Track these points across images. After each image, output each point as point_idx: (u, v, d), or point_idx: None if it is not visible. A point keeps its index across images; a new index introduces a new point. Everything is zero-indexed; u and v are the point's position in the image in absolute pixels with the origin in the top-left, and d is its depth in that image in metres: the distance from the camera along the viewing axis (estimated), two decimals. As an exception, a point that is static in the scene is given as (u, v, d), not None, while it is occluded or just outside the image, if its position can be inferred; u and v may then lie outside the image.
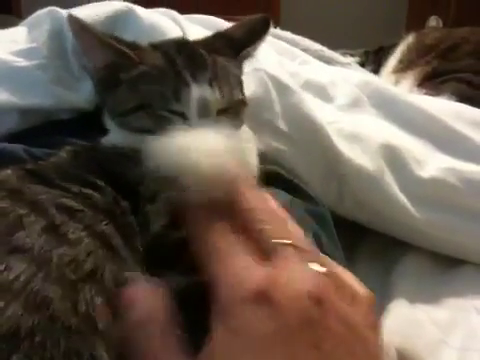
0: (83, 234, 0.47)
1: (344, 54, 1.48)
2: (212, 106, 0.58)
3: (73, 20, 0.61)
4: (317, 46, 1.29)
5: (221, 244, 0.40)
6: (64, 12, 0.88)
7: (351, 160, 0.83)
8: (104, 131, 0.68)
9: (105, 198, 0.53)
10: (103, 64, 0.62)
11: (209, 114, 0.58)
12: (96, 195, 0.52)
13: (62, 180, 0.53)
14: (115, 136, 0.65)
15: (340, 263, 0.74)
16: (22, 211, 0.48)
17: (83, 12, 0.89)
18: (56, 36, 0.86)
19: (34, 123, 0.86)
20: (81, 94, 0.87)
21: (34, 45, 0.86)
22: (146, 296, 0.42)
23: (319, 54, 1.25)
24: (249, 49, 0.68)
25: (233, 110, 0.61)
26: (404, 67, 1.43)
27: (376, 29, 2.94)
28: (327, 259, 0.43)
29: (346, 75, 1.04)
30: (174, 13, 0.99)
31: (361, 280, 0.90)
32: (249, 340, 0.34)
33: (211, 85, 0.58)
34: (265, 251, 0.39)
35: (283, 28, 1.32)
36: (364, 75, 1.11)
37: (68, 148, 0.63)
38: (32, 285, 0.42)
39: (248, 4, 3.11)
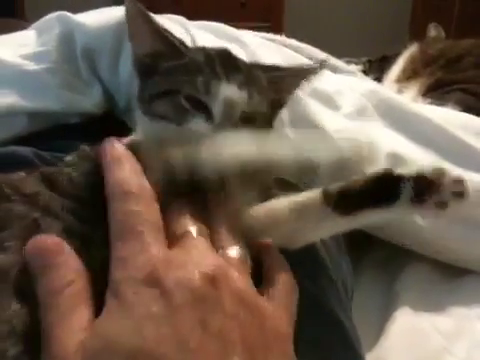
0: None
1: (348, 62, 1.49)
2: (237, 107, 0.59)
3: (132, 2, 0.61)
4: (323, 55, 1.30)
5: (130, 224, 0.45)
6: (74, 17, 0.88)
7: (357, 167, 0.84)
8: (118, 134, 0.68)
9: None
10: (149, 51, 0.63)
11: (232, 115, 0.58)
12: None
13: (76, 186, 0.54)
14: (139, 129, 0.65)
15: (346, 269, 0.76)
16: (37, 215, 0.49)
17: (93, 17, 0.90)
18: (66, 41, 0.87)
19: (42, 127, 0.86)
20: (90, 98, 0.88)
21: (43, 49, 0.87)
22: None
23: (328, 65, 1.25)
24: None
25: (255, 120, 0.61)
26: (407, 77, 1.44)
27: (379, 38, 2.95)
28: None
29: (352, 83, 1.04)
30: (183, 19, 0.99)
31: (366, 288, 0.90)
32: (136, 318, 0.38)
33: (240, 88, 0.59)
34: (177, 236, 0.45)
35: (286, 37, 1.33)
36: (370, 84, 1.11)
37: (80, 151, 0.63)
38: None
39: (252, 11, 3.13)
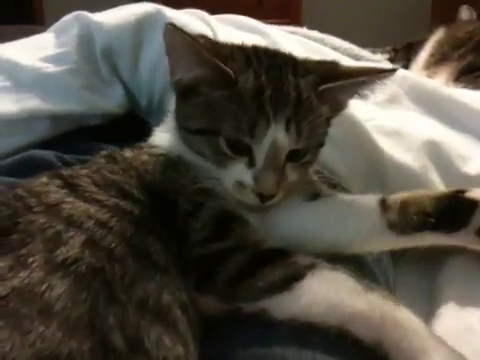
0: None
1: (373, 52, 1.44)
2: (283, 150, 0.54)
3: (174, 31, 0.54)
4: (346, 44, 1.26)
5: None
6: (92, 16, 0.86)
7: (393, 157, 0.79)
8: (139, 134, 0.66)
9: (143, 212, 0.52)
10: (194, 77, 0.57)
11: (277, 159, 0.54)
12: (134, 209, 0.52)
13: (100, 191, 0.53)
14: (172, 143, 0.62)
15: (387, 263, 0.72)
16: (60, 227, 0.47)
17: (111, 15, 0.88)
18: (85, 41, 0.85)
19: (65, 129, 0.85)
20: (112, 99, 0.86)
21: (63, 50, 0.85)
22: None
23: (349, 52, 1.21)
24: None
25: (304, 154, 0.57)
26: (436, 62, 1.39)
27: (399, 27, 2.88)
28: None
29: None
30: (203, 14, 0.96)
31: (406, 283, 0.84)
32: None
33: (288, 127, 0.54)
34: None
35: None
36: (400, 70, 1.07)
37: (104, 153, 0.62)
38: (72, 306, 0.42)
39: (269, 8, 3.09)
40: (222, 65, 0.54)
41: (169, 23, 0.54)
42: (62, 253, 0.44)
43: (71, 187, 0.52)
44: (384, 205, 0.57)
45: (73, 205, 0.50)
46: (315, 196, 0.60)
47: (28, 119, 0.80)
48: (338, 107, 0.61)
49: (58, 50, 0.86)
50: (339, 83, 0.57)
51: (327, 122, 0.60)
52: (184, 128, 0.59)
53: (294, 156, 0.56)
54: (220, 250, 0.51)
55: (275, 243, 0.54)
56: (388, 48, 1.67)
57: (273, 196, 0.55)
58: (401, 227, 0.55)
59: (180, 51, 0.55)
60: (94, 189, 0.53)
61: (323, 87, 0.57)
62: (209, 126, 0.56)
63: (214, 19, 0.94)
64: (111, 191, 0.53)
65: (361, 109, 0.85)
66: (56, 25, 0.94)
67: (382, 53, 1.56)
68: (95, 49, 0.85)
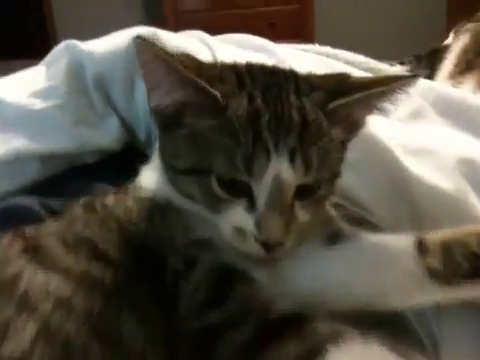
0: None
1: (391, 65, 1.35)
2: (288, 187, 0.45)
3: (143, 46, 0.45)
4: (361, 58, 1.17)
5: None
6: (81, 45, 0.80)
7: (422, 179, 0.69)
8: (135, 171, 0.58)
9: (117, 277, 0.44)
10: (175, 102, 0.48)
11: (282, 198, 0.45)
12: (107, 274, 0.44)
13: (68, 254, 0.45)
14: (160, 184, 0.53)
15: (430, 316, 0.61)
16: (10, 311, 0.39)
17: (102, 42, 0.81)
18: (74, 72, 0.79)
19: (58, 170, 0.78)
20: (106, 133, 0.78)
21: (51, 84, 0.79)
22: None
23: (365, 66, 1.12)
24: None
25: (316, 189, 0.47)
26: (462, 70, 1.28)
27: (413, 38, 2.79)
28: None
29: None
30: (203, 35, 0.90)
31: (455, 331, 0.71)
32: None
33: (293, 158, 0.44)
34: None
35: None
36: (423, 81, 0.97)
37: (82, 201, 0.54)
38: None
39: (281, 30, 3.04)
40: (207, 86, 0.45)
41: (138, 36, 0.45)
42: (7, 350, 0.36)
43: (34, 251, 0.45)
44: (421, 247, 0.47)
45: (32, 277, 0.42)
46: (335, 237, 0.50)
47: (15, 161, 0.73)
48: (354, 127, 0.52)
49: (47, 84, 0.79)
50: (351, 98, 0.47)
51: (342, 146, 0.51)
52: (170, 167, 0.50)
53: (304, 192, 0.46)
54: (218, 322, 0.41)
55: (288, 304, 0.44)
56: (409, 58, 1.58)
57: (281, 244, 0.45)
58: (445, 275, 0.45)
59: (154, 70, 0.46)
60: (61, 251, 0.45)
61: (333, 105, 0.47)
62: (197, 164, 0.46)
63: (215, 39, 0.87)
64: (82, 252, 0.45)
65: (382, 126, 0.76)
66: (48, 56, 0.88)
67: (402, 64, 1.46)
68: (86, 80, 0.78)
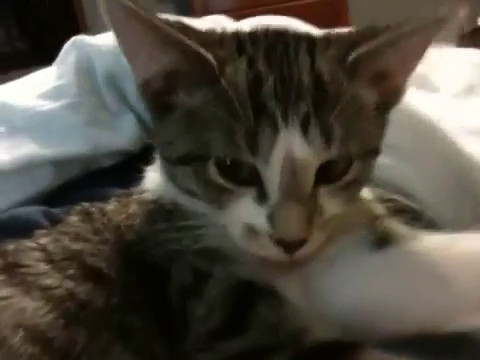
0: None
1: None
2: (306, 168, 0.35)
3: (112, 3, 0.36)
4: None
5: None
6: (90, 39, 0.73)
7: None
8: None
9: (109, 299, 0.36)
10: (161, 71, 0.39)
11: (300, 183, 0.35)
12: (96, 296, 0.36)
13: (51, 271, 0.38)
14: (163, 185, 0.44)
15: None
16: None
17: (112, 36, 0.75)
18: (84, 69, 0.72)
19: (72, 176, 0.71)
20: (121, 133, 0.71)
21: (61, 83, 0.72)
22: None
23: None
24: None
25: (349, 163, 0.38)
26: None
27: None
28: None
29: (457, 56, 0.79)
30: (223, 20, 0.82)
31: None
32: None
33: (306, 129, 0.35)
34: None
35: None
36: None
37: (79, 208, 0.47)
38: None
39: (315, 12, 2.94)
40: (194, 45, 0.36)
41: None
42: None
43: (10, 271, 0.38)
44: None
45: (4, 302, 0.35)
46: (384, 240, 0.40)
47: (25, 169, 0.67)
48: (390, 86, 0.41)
49: (56, 83, 0.73)
50: (376, 41, 0.37)
51: (379, 114, 0.40)
52: (166, 159, 0.42)
53: (330, 174, 0.37)
54: (239, 355, 0.33)
55: (326, 329, 0.34)
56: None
57: (303, 241, 0.36)
58: None
59: (130, 33, 0.37)
60: (44, 269, 0.38)
61: (354, 55, 0.37)
62: (193, 149, 0.38)
63: (234, 23, 0.79)
64: (69, 268, 0.38)
65: (434, 105, 0.66)
66: (59, 56, 0.82)
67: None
68: (97, 77, 0.72)
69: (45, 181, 0.69)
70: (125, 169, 0.72)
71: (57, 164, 0.69)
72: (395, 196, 0.48)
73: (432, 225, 0.46)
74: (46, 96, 0.71)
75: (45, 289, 0.36)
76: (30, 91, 0.74)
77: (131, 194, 0.47)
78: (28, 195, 0.67)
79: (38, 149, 0.67)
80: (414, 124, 0.60)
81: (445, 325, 0.36)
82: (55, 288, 0.36)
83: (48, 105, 0.69)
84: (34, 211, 0.59)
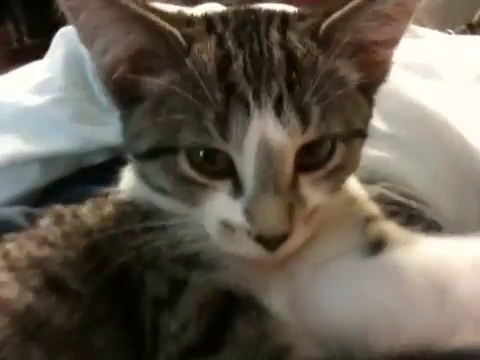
0: None
1: (448, 32, 1.19)
2: (282, 153, 0.32)
3: None
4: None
5: None
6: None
7: None
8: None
9: (74, 314, 0.34)
10: (123, 54, 0.35)
11: (277, 171, 0.32)
12: (57, 313, 0.34)
13: (11, 283, 0.35)
14: (137, 184, 0.41)
15: None
16: None
17: None
18: (72, 61, 0.69)
19: (62, 173, 0.69)
20: (112, 127, 0.68)
21: (48, 76, 0.69)
22: None
23: (412, 34, 0.98)
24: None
25: (333, 146, 0.34)
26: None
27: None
28: None
29: (467, 43, 0.75)
30: (219, 7, 0.78)
31: None
32: None
33: (280, 110, 0.32)
34: None
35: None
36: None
37: (51, 210, 0.45)
38: None
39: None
40: (157, 20, 0.33)
41: None
42: None
43: None
44: None
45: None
46: (379, 244, 0.37)
47: (11, 167, 0.64)
48: (371, 60, 0.37)
49: (44, 77, 0.70)
50: (346, 8, 0.34)
51: (365, 93, 0.37)
52: (134, 155, 0.39)
53: (311, 160, 0.34)
54: None
55: (313, 345, 0.31)
56: (462, 27, 1.41)
57: (284, 237, 0.32)
58: None
59: (87, 12, 0.34)
60: (5, 279, 0.35)
61: (325, 24, 0.34)
62: (161, 140, 0.34)
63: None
64: (31, 278, 0.35)
65: (440, 95, 0.62)
66: (50, 48, 0.79)
67: (451, 34, 1.31)
68: (85, 69, 0.69)
69: (33, 179, 0.66)
70: (119, 165, 0.69)
71: (45, 161, 0.66)
72: (393, 193, 0.45)
73: (433, 226, 0.43)
74: (34, 90, 0.69)
75: (4, 302, 0.33)
76: (20, 85, 0.72)
77: (107, 195, 0.44)
78: (16, 194, 0.65)
79: (23, 145, 0.65)
80: (421, 118, 0.56)
81: (442, 341, 0.32)
82: (14, 302, 0.33)
83: (34, 100, 0.67)
84: (14, 212, 0.57)
